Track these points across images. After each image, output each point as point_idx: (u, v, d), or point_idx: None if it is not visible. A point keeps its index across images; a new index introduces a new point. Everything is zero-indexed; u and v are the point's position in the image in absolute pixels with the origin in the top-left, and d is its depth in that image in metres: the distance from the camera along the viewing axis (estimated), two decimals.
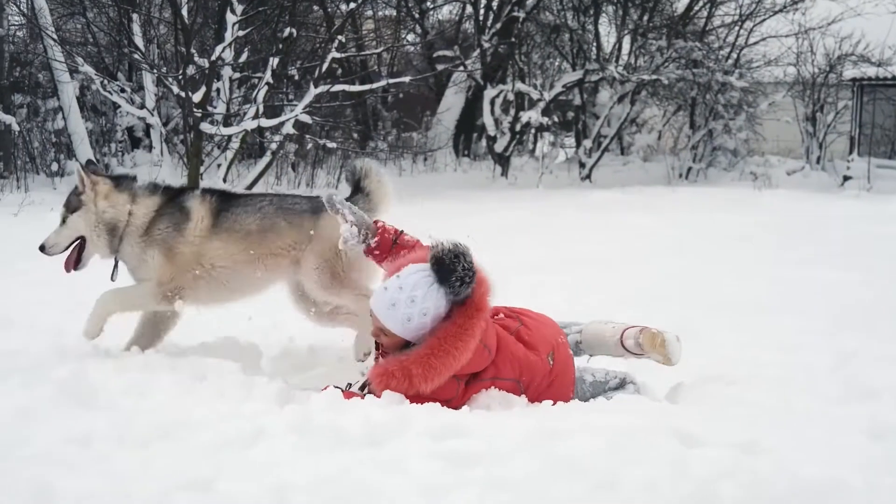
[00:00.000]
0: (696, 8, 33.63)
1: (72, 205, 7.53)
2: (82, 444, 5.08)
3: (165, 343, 7.70)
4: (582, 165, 30.92)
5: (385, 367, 6.01)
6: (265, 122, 23.96)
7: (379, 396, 5.91)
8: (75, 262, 7.52)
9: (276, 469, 4.74)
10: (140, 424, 5.34)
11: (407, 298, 6.06)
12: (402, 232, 7.01)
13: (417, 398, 5.89)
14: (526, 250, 14.50)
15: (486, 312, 6.18)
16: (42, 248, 7.51)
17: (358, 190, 7.80)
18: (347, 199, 7.52)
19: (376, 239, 6.93)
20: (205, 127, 23.20)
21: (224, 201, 7.64)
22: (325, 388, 6.16)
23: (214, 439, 5.14)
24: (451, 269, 6.04)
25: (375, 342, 6.53)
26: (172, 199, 7.59)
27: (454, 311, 6.12)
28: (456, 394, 6.07)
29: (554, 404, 6.15)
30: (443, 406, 5.84)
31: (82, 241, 7.52)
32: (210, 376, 6.36)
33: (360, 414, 5.42)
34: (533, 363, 6.35)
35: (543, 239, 16.40)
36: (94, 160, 7.99)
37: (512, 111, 30.20)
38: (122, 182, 7.63)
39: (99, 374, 6.17)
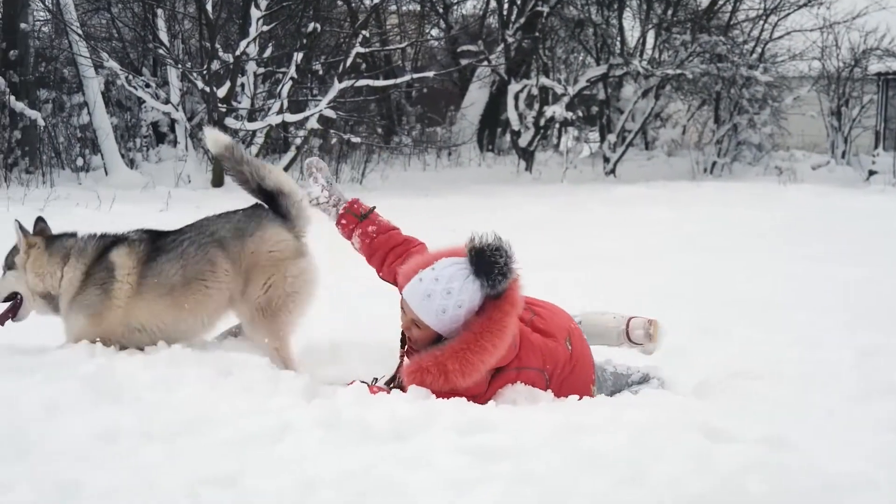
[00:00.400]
0: (721, 2, 33.50)
1: (8, 262, 7.27)
2: (108, 439, 5.10)
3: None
4: (606, 160, 30.89)
5: (419, 364, 6.01)
6: (289, 117, 24.08)
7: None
8: (12, 316, 7.23)
9: (302, 464, 4.76)
10: (166, 419, 5.36)
11: (443, 290, 6.06)
12: (374, 208, 7.06)
13: (451, 394, 5.88)
14: (541, 247, 14.42)
15: (519, 308, 6.18)
16: None
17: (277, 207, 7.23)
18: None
19: (345, 206, 7.00)
20: (229, 122, 23.31)
21: (153, 248, 7.12)
22: (352, 383, 6.18)
23: (240, 434, 5.16)
24: (493, 262, 6.05)
25: (402, 338, 6.54)
26: (103, 254, 7.11)
27: (487, 306, 6.11)
28: (485, 388, 6.09)
29: (581, 398, 6.17)
30: (470, 401, 5.83)
31: (20, 296, 7.23)
32: (236, 371, 6.34)
33: (387, 409, 5.45)
34: (553, 350, 6.35)
35: (560, 235, 16.37)
36: (44, 218, 7.53)
37: (536, 106, 30.19)
38: (55, 244, 7.19)
39: (125, 368, 6.15)
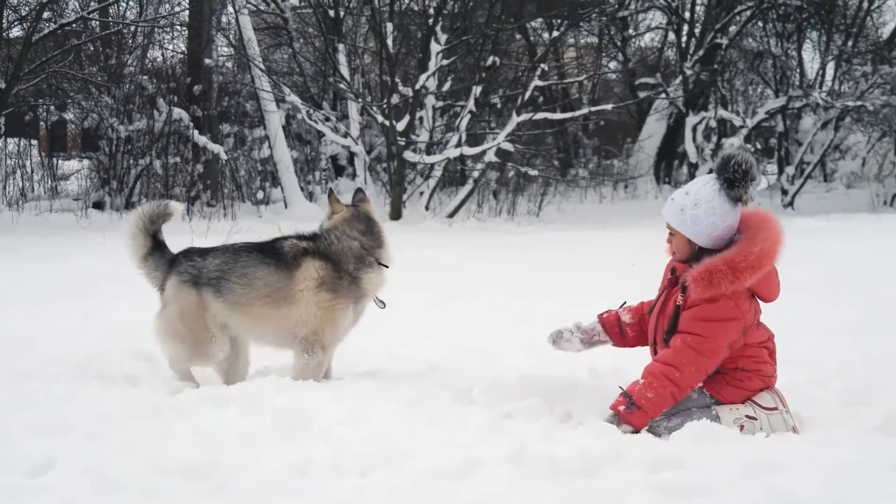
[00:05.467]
0: None
1: None
2: (301, 471, 5.17)
3: (379, 371, 7.80)
4: (784, 192, 30.47)
5: (707, 266, 6.38)
6: (467, 150, 24.26)
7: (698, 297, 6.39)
8: None
9: (494, 499, 4.76)
10: (356, 452, 5.41)
11: (691, 203, 6.52)
12: (623, 304, 7.24)
13: (735, 295, 6.42)
14: None
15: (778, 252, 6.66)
16: None
17: None
18: None
19: (603, 332, 7.21)
20: (408, 155, 23.58)
21: None
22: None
23: (430, 468, 5.17)
24: (735, 169, 6.48)
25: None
26: None
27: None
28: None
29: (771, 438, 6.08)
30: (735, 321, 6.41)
31: None
32: (422, 405, 6.42)
33: (575, 444, 5.43)
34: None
35: None
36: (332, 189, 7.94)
37: (714, 138, 30.02)
38: None
39: (315, 402, 6.29)
